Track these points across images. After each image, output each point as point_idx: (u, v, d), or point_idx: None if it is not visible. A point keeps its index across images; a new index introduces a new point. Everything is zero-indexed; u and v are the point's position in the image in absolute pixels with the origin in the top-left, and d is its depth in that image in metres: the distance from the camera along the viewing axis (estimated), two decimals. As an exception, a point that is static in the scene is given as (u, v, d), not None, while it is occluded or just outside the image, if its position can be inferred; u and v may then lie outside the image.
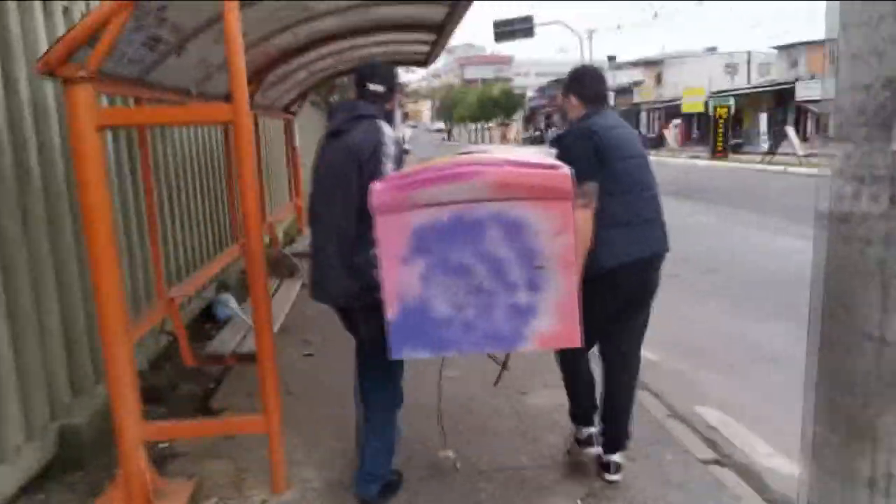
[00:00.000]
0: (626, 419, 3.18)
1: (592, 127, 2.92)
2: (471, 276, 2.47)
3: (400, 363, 2.85)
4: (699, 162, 26.62)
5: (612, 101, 51.66)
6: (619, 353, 3.12)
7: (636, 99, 52.46)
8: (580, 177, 2.51)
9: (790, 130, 23.34)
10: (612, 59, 62.00)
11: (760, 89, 38.29)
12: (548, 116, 69.69)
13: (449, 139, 77.38)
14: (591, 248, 2.75)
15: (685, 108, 42.47)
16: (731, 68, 47.44)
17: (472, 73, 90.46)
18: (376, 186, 2.50)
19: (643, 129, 49.80)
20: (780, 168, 20.86)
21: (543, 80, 72.87)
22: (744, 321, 6.11)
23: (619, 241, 2.82)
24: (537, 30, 41.55)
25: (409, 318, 2.50)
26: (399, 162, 2.75)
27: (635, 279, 2.93)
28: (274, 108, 7.51)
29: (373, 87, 2.92)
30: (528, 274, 2.45)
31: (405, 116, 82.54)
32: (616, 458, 3.18)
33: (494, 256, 2.45)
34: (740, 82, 44.17)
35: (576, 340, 2.50)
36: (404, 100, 4.85)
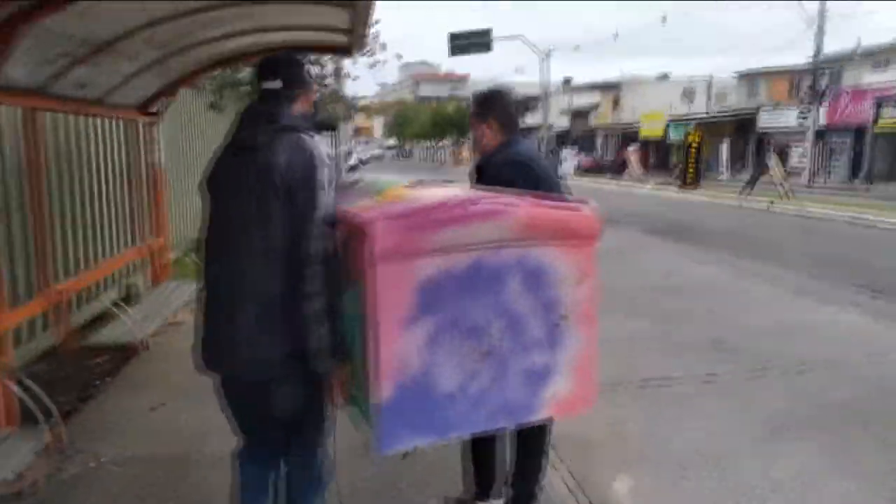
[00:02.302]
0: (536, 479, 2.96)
1: (526, 154, 2.82)
2: (485, 336, 2.15)
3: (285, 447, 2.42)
4: (671, 194, 24.61)
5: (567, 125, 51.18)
6: None
7: (592, 122, 52.08)
8: None
9: (773, 160, 21.67)
10: (567, 80, 62.00)
11: (723, 116, 37.51)
12: None
13: (400, 156, 76.24)
14: None
15: (643, 134, 42.07)
16: (688, 94, 47.20)
17: (426, 90, 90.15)
18: (377, 223, 2.01)
19: (601, 154, 49.33)
20: (763, 204, 18.96)
21: None
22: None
23: None
24: (495, 47, 40.46)
25: (408, 398, 2.07)
26: (332, 189, 2.20)
27: None
28: (111, 104, 5.52)
29: (268, 84, 2.32)
30: (547, 329, 2.23)
31: (356, 132, 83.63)
32: None
33: (514, 310, 2.18)
34: (697, 109, 43.65)
35: (592, 402, 2.38)
36: (313, 97, 3.38)
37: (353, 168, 35.27)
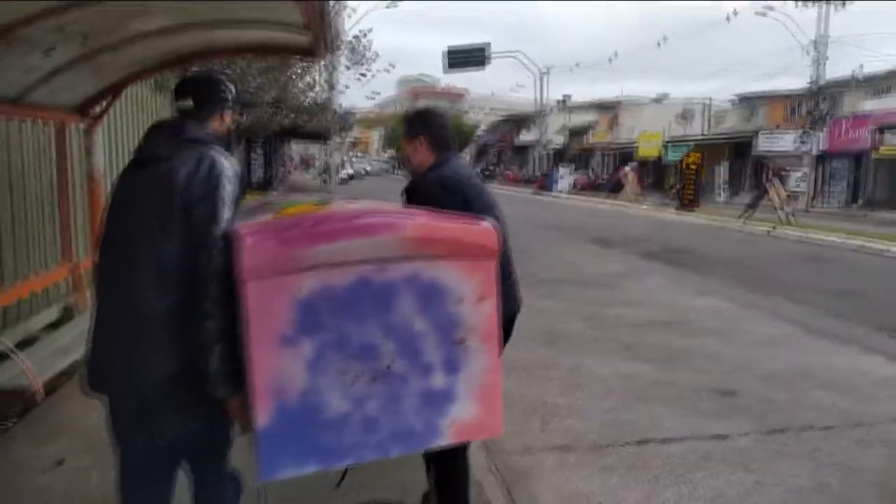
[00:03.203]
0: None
1: (455, 176, 2.75)
2: (375, 358, 2.03)
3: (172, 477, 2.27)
4: (668, 216, 24.00)
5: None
6: None
7: (589, 141, 52.07)
8: None
9: (775, 183, 20.99)
10: (565, 98, 61.96)
11: (722, 138, 37.19)
12: (499, 153, 69.46)
13: (393, 171, 75.83)
14: None
15: (640, 153, 41.82)
16: (685, 115, 47.06)
17: (424, 105, 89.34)
18: (247, 238, 1.92)
19: (597, 173, 49.27)
20: (764, 228, 18.17)
21: (496, 117, 73.16)
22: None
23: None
24: (493, 64, 40.06)
25: (288, 423, 1.95)
26: (236, 206, 2.09)
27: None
28: (32, 103, 4.83)
29: (180, 103, 2.29)
30: (446, 351, 2.09)
31: (353, 144, 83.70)
32: None
33: (406, 331, 2.06)
34: (694, 130, 43.44)
35: (498, 429, 2.24)
36: (232, 118, 2.54)
37: (343, 181, 34.64)
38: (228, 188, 2.09)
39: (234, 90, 2.49)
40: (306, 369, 1.97)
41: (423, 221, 2.11)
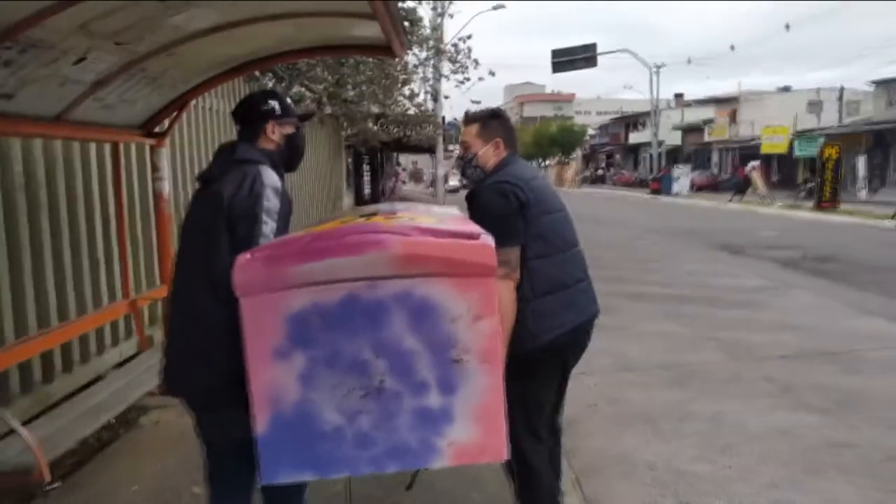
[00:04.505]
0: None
1: (512, 180, 2.64)
2: (367, 373, 2.08)
3: (250, 474, 2.27)
4: (804, 216, 21.69)
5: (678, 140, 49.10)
6: (557, 430, 2.92)
7: (706, 138, 49.20)
8: (502, 240, 2.24)
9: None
10: (679, 96, 59.15)
11: (864, 127, 33.93)
12: (609, 156, 67.56)
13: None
14: (519, 322, 2.51)
15: (764, 149, 39.00)
16: (815, 106, 43.56)
17: (531, 111, 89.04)
18: (239, 260, 2.08)
19: (715, 171, 46.70)
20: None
21: (605, 119, 71.26)
22: None
23: (554, 310, 2.58)
24: (598, 66, 38.44)
25: (284, 431, 2.08)
26: (286, 219, 2.31)
27: (571, 347, 2.73)
28: (95, 122, 4.35)
29: (238, 126, 2.56)
30: (440, 370, 2.08)
31: (461, 156, 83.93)
32: None
33: (399, 348, 2.08)
34: (827, 121, 39.95)
35: (501, 453, 2.13)
36: (282, 131, 2.54)
37: (452, 191, 34.30)
38: (267, 204, 2.25)
39: (282, 102, 2.57)
40: (300, 382, 2.06)
41: (414, 239, 2.08)
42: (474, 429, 2.08)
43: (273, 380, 2.04)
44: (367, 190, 23.78)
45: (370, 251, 2.02)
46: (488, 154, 2.77)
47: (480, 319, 2.06)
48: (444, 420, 2.07)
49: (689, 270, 10.97)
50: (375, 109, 16.20)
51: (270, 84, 9.91)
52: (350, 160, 21.71)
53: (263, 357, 2.03)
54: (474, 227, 2.22)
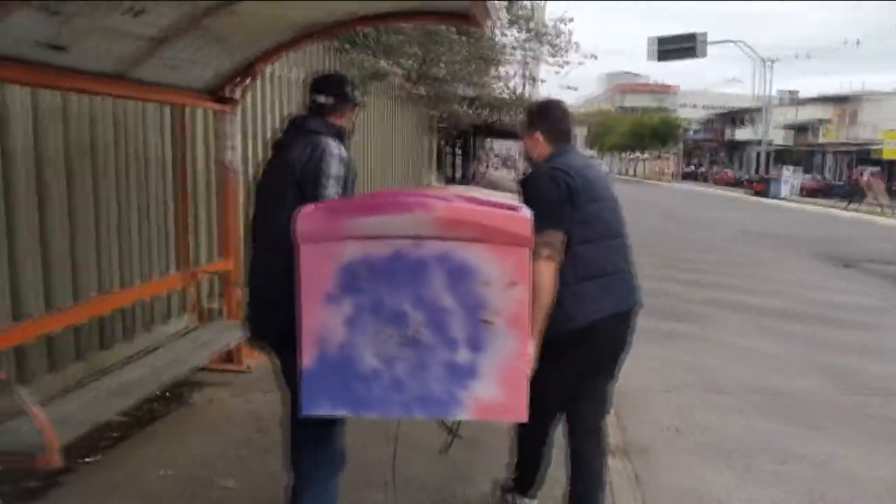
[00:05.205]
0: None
1: (563, 167, 2.76)
2: (406, 324, 2.27)
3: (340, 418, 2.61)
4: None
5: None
6: (591, 431, 2.90)
7: (819, 139, 46.27)
8: (548, 224, 2.47)
9: None
10: (793, 93, 55.77)
11: None
12: (711, 152, 64.74)
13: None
14: (557, 304, 2.54)
15: (886, 154, 36.09)
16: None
17: (631, 101, 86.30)
18: (303, 210, 2.33)
19: (827, 175, 43.69)
20: None
21: (710, 113, 68.08)
22: None
23: (592, 295, 2.66)
24: (705, 57, 36.56)
25: (328, 368, 2.30)
26: (346, 185, 2.61)
27: (607, 337, 2.76)
28: (159, 83, 4.26)
29: (321, 99, 2.81)
30: (471, 329, 2.26)
31: None
32: None
33: (435, 304, 2.26)
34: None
35: (521, 414, 2.31)
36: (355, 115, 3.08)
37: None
38: (332, 169, 2.55)
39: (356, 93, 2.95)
40: (346, 325, 2.27)
41: (457, 206, 2.27)
42: (498, 388, 2.25)
43: (323, 322, 2.25)
44: (456, 173, 23.55)
45: (416, 210, 2.21)
46: (530, 145, 2.92)
47: (512, 286, 2.21)
48: (470, 375, 2.24)
49: (791, 281, 10.05)
50: (469, 92, 15.87)
51: (361, 57, 9.66)
52: (442, 142, 21.49)
53: (316, 300, 2.24)
54: (517, 204, 2.38)
